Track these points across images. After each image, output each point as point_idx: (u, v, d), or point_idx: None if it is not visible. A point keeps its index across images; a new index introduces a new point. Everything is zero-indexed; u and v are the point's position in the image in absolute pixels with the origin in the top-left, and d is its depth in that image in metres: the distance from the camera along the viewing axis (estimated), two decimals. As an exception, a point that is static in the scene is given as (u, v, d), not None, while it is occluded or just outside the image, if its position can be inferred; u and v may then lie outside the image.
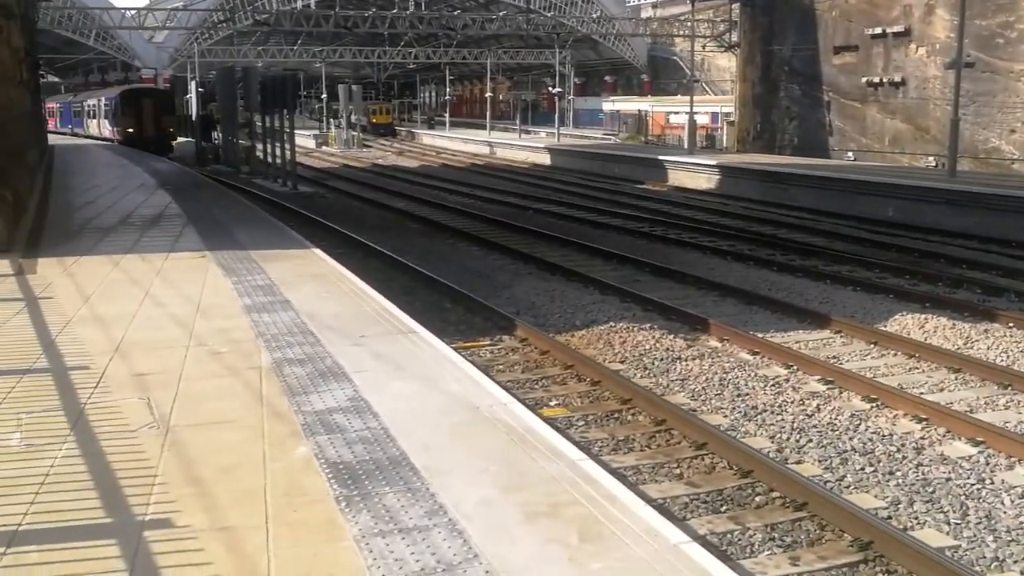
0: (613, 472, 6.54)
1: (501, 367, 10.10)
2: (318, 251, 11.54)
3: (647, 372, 10.17)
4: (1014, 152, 26.46)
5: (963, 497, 6.91)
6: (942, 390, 9.48)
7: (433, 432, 5.25)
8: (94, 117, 48.86)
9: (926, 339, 11.37)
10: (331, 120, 65.04)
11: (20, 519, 4.20)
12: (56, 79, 74.65)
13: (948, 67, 25.26)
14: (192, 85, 44.49)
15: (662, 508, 6.54)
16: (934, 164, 28.40)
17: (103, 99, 47.09)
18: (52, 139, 42.34)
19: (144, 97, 43.46)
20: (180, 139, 44.52)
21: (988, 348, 10.99)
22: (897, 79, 30.20)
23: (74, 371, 6.44)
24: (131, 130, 41.82)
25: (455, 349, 7.77)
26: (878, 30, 30.69)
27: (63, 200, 17.66)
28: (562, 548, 3.89)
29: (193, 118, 42.61)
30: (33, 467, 4.80)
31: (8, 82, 14.93)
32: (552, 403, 9.05)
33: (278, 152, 29.11)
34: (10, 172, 13.01)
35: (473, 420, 5.46)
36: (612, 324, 11.92)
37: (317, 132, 62.82)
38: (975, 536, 6.34)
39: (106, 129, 45.40)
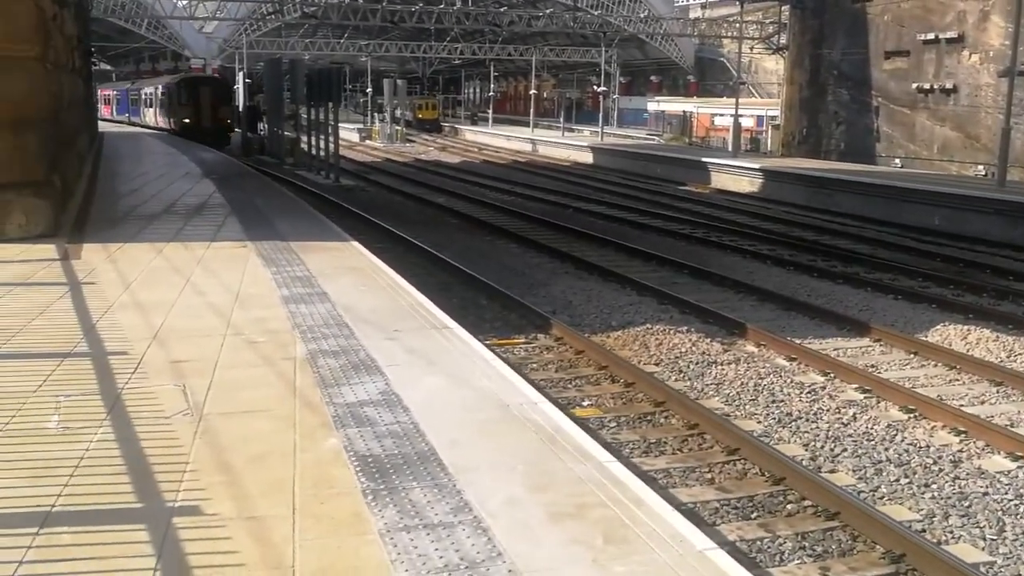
0: (642, 475, 6.53)
1: (535, 365, 10.10)
2: (357, 244, 11.60)
3: (682, 375, 10.11)
4: (1067, 162, 25.90)
5: (1000, 512, 6.79)
6: (983, 403, 9.32)
7: (462, 428, 5.26)
8: (151, 106, 46.10)
9: (968, 351, 11.17)
10: (375, 114, 65.31)
11: (54, 500, 4.27)
12: (108, 67, 75.88)
13: (1001, 75, 24.79)
14: (240, 76, 44.90)
15: (691, 513, 6.50)
16: (983, 173, 27.88)
17: (159, 87, 44.38)
18: (106, 127, 42.81)
19: (202, 86, 41.17)
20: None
21: (1032, 362, 10.77)
22: (948, 86, 29.68)
23: (113, 356, 6.54)
24: (188, 120, 39.47)
25: (489, 346, 7.78)
26: (930, 36, 30.19)
27: (110, 187, 17.95)
28: (586, 550, 3.88)
29: (240, 109, 41.80)
30: (69, 450, 4.88)
31: (61, 69, 15.20)
32: (585, 403, 9.03)
33: (322, 145, 29.34)
34: (60, 158, 13.26)
35: (502, 418, 5.46)
36: (648, 326, 11.86)
37: (361, 126, 63.18)
38: (1011, 553, 6.22)
39: (162, 118, 43.03)
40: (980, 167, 28.32)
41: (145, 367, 6.32)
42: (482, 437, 5.15)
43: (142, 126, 46.54)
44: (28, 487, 4.40)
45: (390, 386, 5.99)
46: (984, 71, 28.40)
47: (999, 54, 27.20)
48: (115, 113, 55.43)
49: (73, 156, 16.82)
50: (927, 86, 30.47)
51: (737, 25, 44.23)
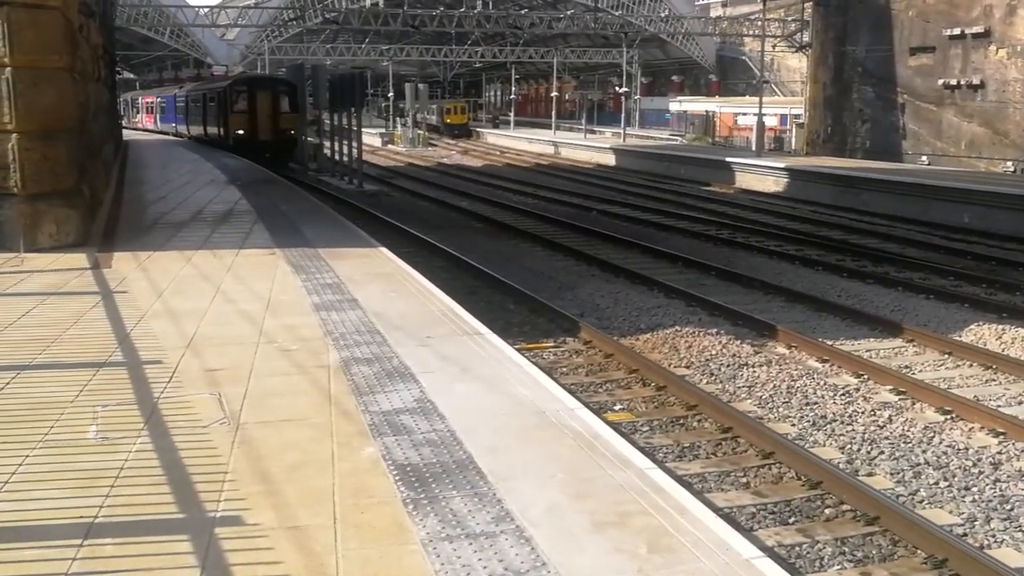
0: (679, 480, 6.47)
1: (564, 369, 10.06)
2: (385, 250, 11.61)
3: (713, 378, 10.04)
4: (1098, 157, 25.55)
5: (1044, 516, 6.68)
6: (1020, 403, 9.19)
7: (499, 436, 5.23)
8: (199, 113, 38.25)
9: (1003, 350, 11.04)
10: (397, 119, 65.39)
11: (96, 511, 4.27)
12: (131, 75, 76.57)
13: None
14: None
15: (728, 518, 6.43)
16: (1012, 169, 27.56)
17: (205, 92, 37.08)
18: (131, 135, 42.92)
19: (259, 89, 32.96)
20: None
21: (1070, 361, 10.61)
22: (975, 81, 29.37)
23: (148, 365, 6.56)
24: (241, 131, 32.02)
25: (518, 350, 7.75)
26: (956, 31, 29.88)
27: (136, 194, 18.08)
28: (630, 559, 3.83)
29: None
30: (109, 460, 4.89)
31: (88, 79, 15.33)
32: (616, 407, 8.98)
33: (345, 150, 29.43)
34: (88, 168, 13.36)
35: (539, 424, 5.42)
36: (677, 328, 11.79)
37: (383, 130, 63.31)
38: (1056, 558, 6.12)
39: (212, 128, 35.12)
40: (1009, 163, 28.00)
41: (180, 376, 6.34)
42: (520, 444, 5.11)
43: (195, 138, 39.01)
44: (70, 498, 4.41)
45: (425, 393, 5.97)
46: (1012, 66, 28.08)
47: (1027, 49, 26.90)
48: (159, 123, 48.17)
49: (100, 165, 16.95)
50: (953, 82, 30.17)
51: (759, 23, 43.97)
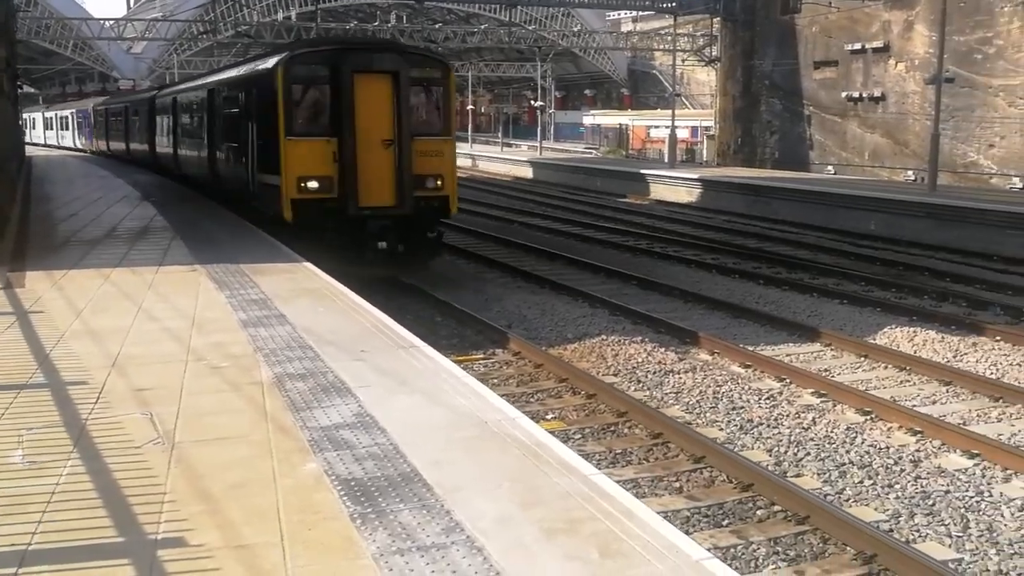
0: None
1: (496, 381, 10.07)
2: (309, 265, 11.46)
3: (640, 385, 10.18)
4: (992, 166, 26.79)
5: (963, 510, 6.95)
6: (934, 403, 9.55)
7: (443, 447, 5.22)
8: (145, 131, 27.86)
9: (915, 352, 11.46)
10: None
11: (29, 539, 4.12)
12: (33, 90, 74.07)
13: (928, 82, 25.57)
14: None
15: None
16: (913, 178, 28.69)
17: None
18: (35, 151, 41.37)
19: (360, 65, 13.78)
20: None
21: (977, 361, 11.09)
22: (877, 94, 30.52)
23: (72, 386, 6.35)
24: (312, 180, 13.63)
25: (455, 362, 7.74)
26: (857, 46, 31.02)
27: (44, 211, 17.48)
28: (584, 565, 3.87)
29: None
30: (38, 485, 4.72)
31: (-8, 93, 14.78)
32: (548, 416, 9.03)
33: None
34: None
35: (482, 435, 5.43)
36: (603, 337, 11.93)
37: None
38: (978, 549, 6.38)
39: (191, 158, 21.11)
40: (910, 172, 29.13)
41: (108, 396, 6.15)
42: (464, 455, 5.11)
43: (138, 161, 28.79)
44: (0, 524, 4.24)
45: (363, 407, 5.91)
46: (910, 79, 29.26)
47: (924, 62, 28.06)
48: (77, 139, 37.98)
49: (6, 181, 16.33)
50: (856, 94, 31.29)
51: (669, 38, 44.88)
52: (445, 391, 6.28)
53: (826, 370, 10.64)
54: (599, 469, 7.60)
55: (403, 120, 13.60)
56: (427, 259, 15.04)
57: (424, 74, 14.27)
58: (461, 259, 18.43)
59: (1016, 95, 25.81)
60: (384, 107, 13.61)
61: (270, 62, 14.29)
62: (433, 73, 14.44)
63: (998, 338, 11.94)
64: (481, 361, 10.90)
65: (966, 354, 11.34)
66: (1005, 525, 6.72)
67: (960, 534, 6.58)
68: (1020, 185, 25.62)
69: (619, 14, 65.73)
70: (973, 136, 27.15)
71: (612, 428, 8.77)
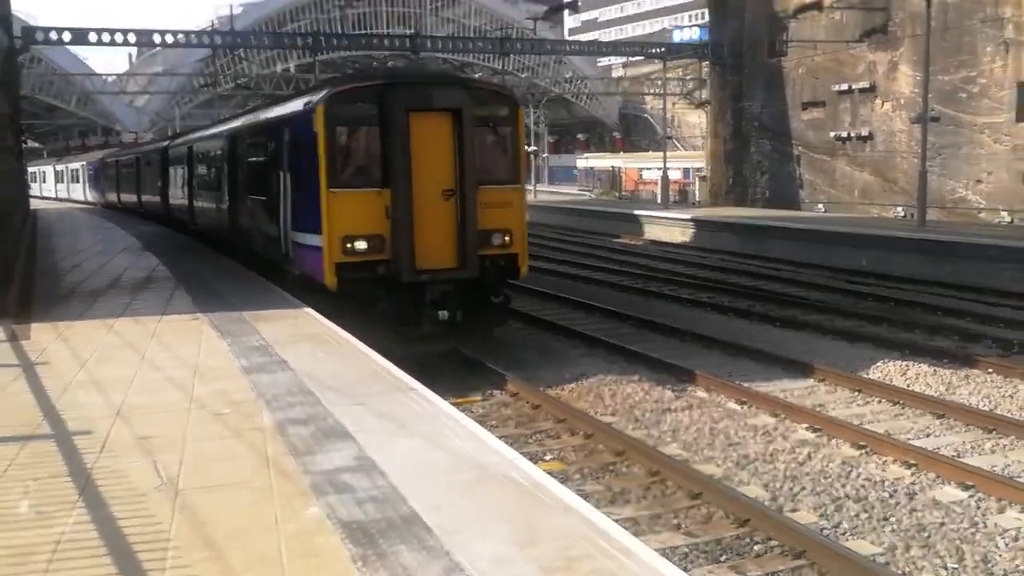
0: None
1: (495, 422, 10.17)
2: (310, 310, 11.59)
3: (638, 424, 10.27)
4: (980, 201, 27.08)
5: (958, 541, 7.03)
6: (928, 435, 9.65)
7: (442, 490, 5.31)
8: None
9: (909, 386, 11.58)
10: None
11: (38, 587, 4.21)
12: (37, 144, 74.74)
13: (914, 121, 25.96)
14: None
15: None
16: (903, 215, 28.98)
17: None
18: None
19: (416, 101, 11.94)
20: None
21: (970, 394, 11.21)
22: (864, 133, 30.92)
23: (77, 436, 6.45)
24: (360, 240, 11.89)
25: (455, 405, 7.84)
26: (844, 86, 31.48)
27: (49, 263, 17.65)
28: (582, 600, 3.96)
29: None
30: (44, 534, 4.80)
31: (-6, 149, 15.02)
32: (547, 457, 9.12)
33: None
34: (-4, 238, 13.05)
35: (481, 477, 5.53)
36: (601, 377, 12.04)
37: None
38: (972, 580, 6.45)
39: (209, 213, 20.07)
40: (899, 209, 29.43)
41: (112, 445, 6.25)
42: (463, 498, 5.21)
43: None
44: (6, 575, 4.32)
45: (364, 451, 6.02)
46: (897, 118, 29.67)
47: (910, 101, 28.49)
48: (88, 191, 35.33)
49: (10, 234, 16.52)
50: (844, 134, 31.69)
51: (659, 82, 45.53)
52: (444, 434, 6.39)
53: (820, 405, 10.75)
54: (597, 508, 7.72)
55: (467, 166, 11.87)
56: (490, 328, 13.43)
57: (490, 112, 12.56)
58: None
59: (1001, 132, 26.17)
60: (444, 151, 11.88)
61: (307, 101, 12.53)
62: (500, 111, 12.73)
63: (990, 370, 12.06)
64: (480, 403, 11.00)
65: (959, 387, 11.46)
66: (1000, 556, 6.80)
67: (956, 566, 6.65)
68: (1008, 219, 25.89)
69: (610, 60, 66.71)
70: (961, 172, 27.47)
71: (610, 467, 8.85)
